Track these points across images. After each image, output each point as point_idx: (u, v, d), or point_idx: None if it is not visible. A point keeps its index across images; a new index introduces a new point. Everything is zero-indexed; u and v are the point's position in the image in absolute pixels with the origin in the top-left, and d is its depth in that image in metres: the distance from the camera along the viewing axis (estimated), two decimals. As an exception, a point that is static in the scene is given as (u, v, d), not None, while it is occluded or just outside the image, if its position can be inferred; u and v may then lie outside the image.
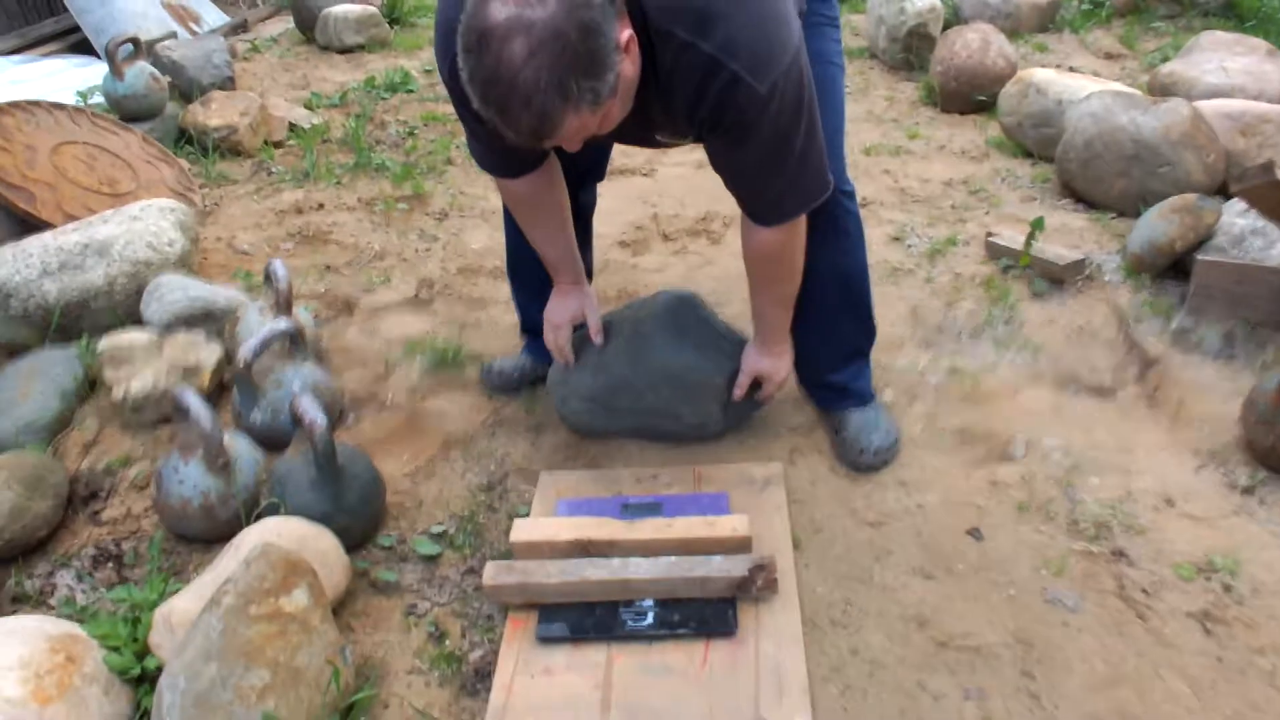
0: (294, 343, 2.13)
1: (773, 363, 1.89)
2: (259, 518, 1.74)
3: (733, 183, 1.58)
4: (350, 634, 1.65)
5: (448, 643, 1.63)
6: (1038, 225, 2.57)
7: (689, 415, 1.98)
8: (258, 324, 2.27)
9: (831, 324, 1.91)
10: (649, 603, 1.63)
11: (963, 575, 1.68)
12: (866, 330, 1.96)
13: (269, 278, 2.27)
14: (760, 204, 1.59)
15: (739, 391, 1.94)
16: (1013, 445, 1.96)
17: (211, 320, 2.39)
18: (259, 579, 1.43)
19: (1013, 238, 2.69)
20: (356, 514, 1.78)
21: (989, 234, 2.77)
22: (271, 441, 2.01)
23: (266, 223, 3.25)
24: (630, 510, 1.83)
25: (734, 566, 1.62)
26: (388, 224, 3.23)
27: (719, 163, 1.55)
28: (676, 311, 1.99)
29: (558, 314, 1.92)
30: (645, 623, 1.60)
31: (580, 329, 1.99)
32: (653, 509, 1.83)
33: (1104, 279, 2.54)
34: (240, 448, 1.89)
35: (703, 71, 1.35)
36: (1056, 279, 2.54)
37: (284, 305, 2.23)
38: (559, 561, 1.66)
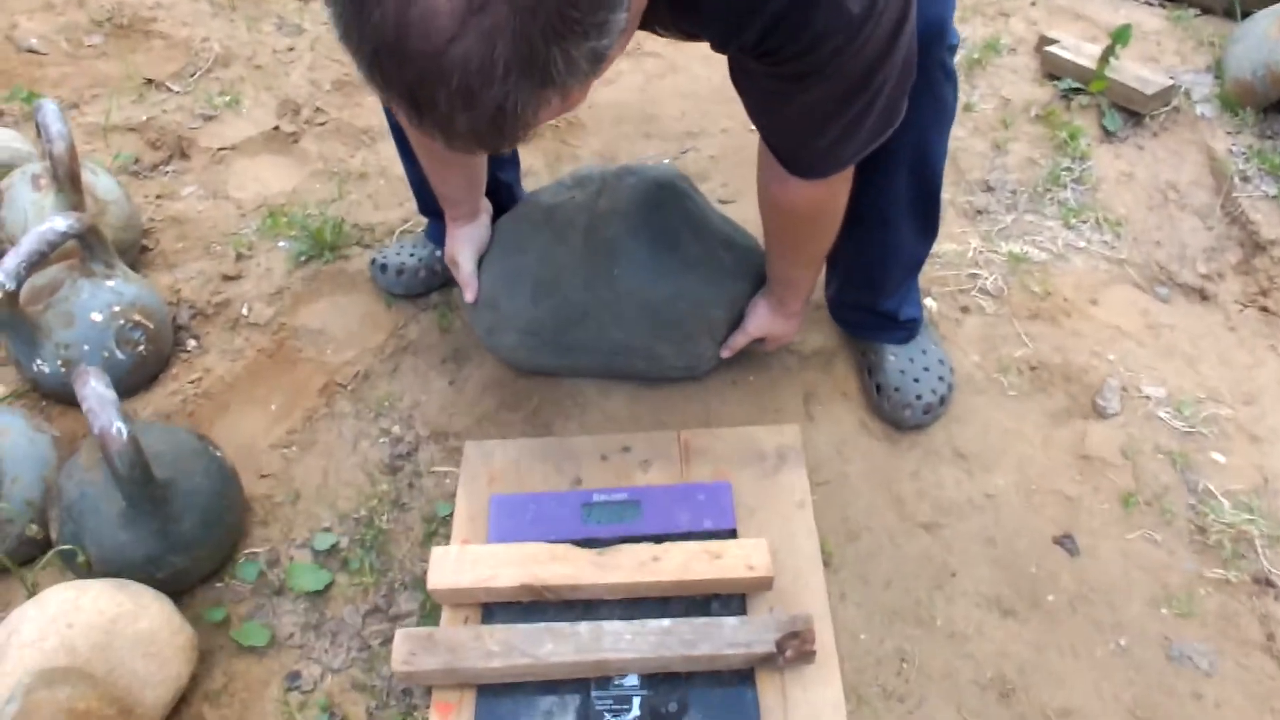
0: (86, 245, 1.44)
1: (786, 324, 1.41)
2: (54, 556, 1.17)
3: (773, 127, 1.07)
4: (204, 735, 1.15)
5: (349, 737, 1.15)
6: (1121, 37, 1.91)
7: (671, 356, 1.41)
8: (31, 209, 1.54)
9: (893, 230, 1.31)
10: (633, 680, 1.15)
11: (1054, 612, 1.24)
12: (931, 233, 1.38)
13: (40, 130, 1.51)
14: (808, 153, 1.06)
15: (732, 350, 1.44)
16: (1103, 392, 1.46)
17: (-32, 191, 1.64)
18: (24, 759, 0.90)
19: (1077, 48, 2.03)
20: (197, 545, 1.22)
21: (1043, 39, 2.10)
22: (71, 399, 1.38)
23: (63, 2, 2.34)
24: (595, 514, 1.30)
25: (755, 634, 1.14)
26: (232, 8, 2.35)
27: (758, 101, 1.03)
28: (655, 207, 1.36)
29: (456, 250, 1.40)
30: (629, 717, 1.13)
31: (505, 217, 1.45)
32: (626, 511, 1.31)
33: (1193, 112, 1.94)
34: (11, 440, 1.27)
35: None
36: (1133, 111, 1.94)
37: (65, 179, 1.50)
38: (502, 630, 1.15)
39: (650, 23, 0.97)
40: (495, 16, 0.59)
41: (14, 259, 1.31)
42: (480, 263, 1.41)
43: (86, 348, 1.40)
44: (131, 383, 1.47)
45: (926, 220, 1.34)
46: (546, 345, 1.40)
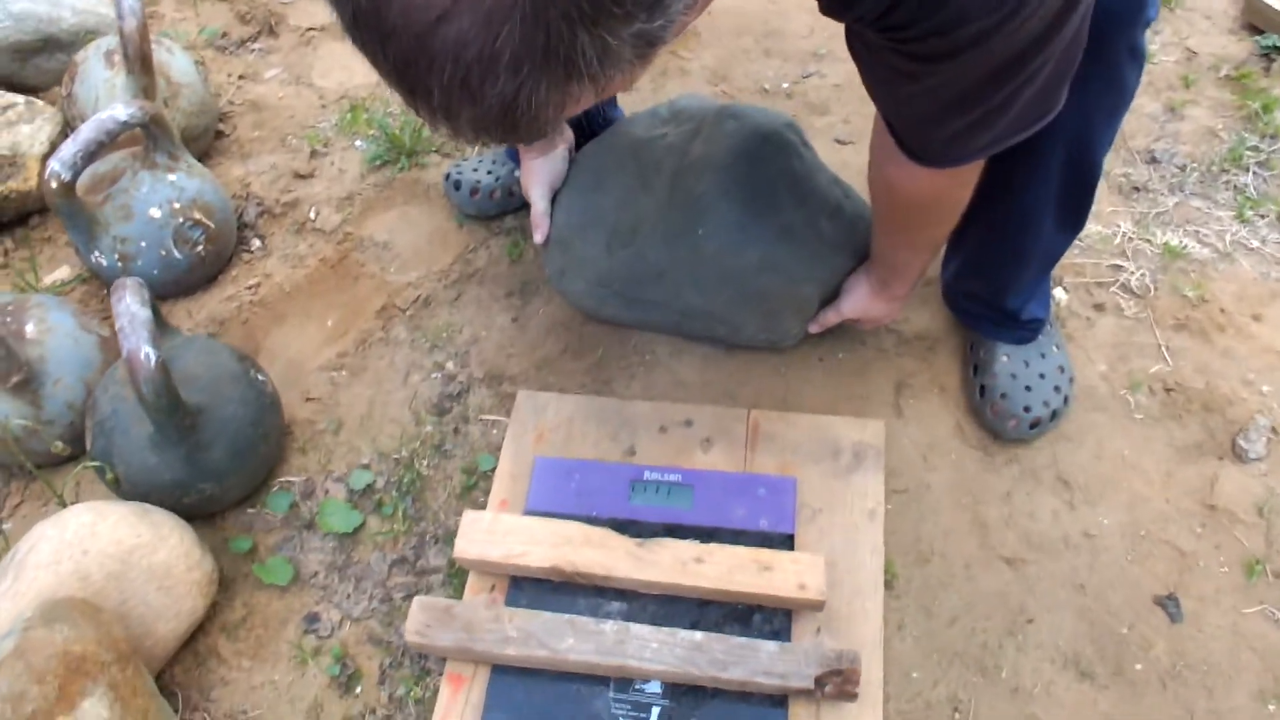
0: (150, 134, 1.36)
1: (887, 307, 1.24)
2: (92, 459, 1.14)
3: (895, 106, 0.88)
4: (217, 669, 1.13)
5: (358, 692, 1.11)
6: (1356, -6, 1.58)
7: (753, 329, 1.27)
8: (103, 87, 1.47)
9: (1033, 223, 1.11)
10: (656, 687, 1.07)
11: (1141, 685, 1.09)
12: (1077, 227, 1.16)
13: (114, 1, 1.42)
14: (935, 139, 0.86)
15: (822, 327, 1.30)
16: (1248, 431, 1.25)
17: (49, 55, 1.58)
18: (16, 699, 0.87)
19: (1295, -3, 1.70)
20: (227, 474, 1.17)
21: (1254, -18, 1.77)
22: (127, 295, 1.34)
23: None
24: (642, 494, 1.20)
25: (794, 665, 1.03)
26: None
27: (878, 76, 0.84)
28: (755, 161, 1.19)
29: (529, 184, 1.27)
30: (646, 725, 1.05)
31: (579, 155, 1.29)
32: (677, 495, 1.20)
33: None
34: (58, 339, 1.23)
35: None
36: (1350, 83, 1.62)
37: (135, 60, 1.41)
38: (523, 615, 1.08)
39: None
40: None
41: (71, 147, 1.24)
42: (557, 195, 1.27)
43: (144, 244, 1.35)
44: (190, 282, 1.42)
45: (1076, 215, 1.13)
46: (618, 298, 1.27)
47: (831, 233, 1.22)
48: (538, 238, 1.27)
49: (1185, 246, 1.45)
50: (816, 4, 0.77)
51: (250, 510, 1.24)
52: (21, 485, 1.27)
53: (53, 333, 1.23)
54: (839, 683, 1.02)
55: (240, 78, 1.74)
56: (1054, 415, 1.25)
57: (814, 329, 1.29)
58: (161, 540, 1.07)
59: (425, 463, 1.28)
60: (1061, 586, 1.15)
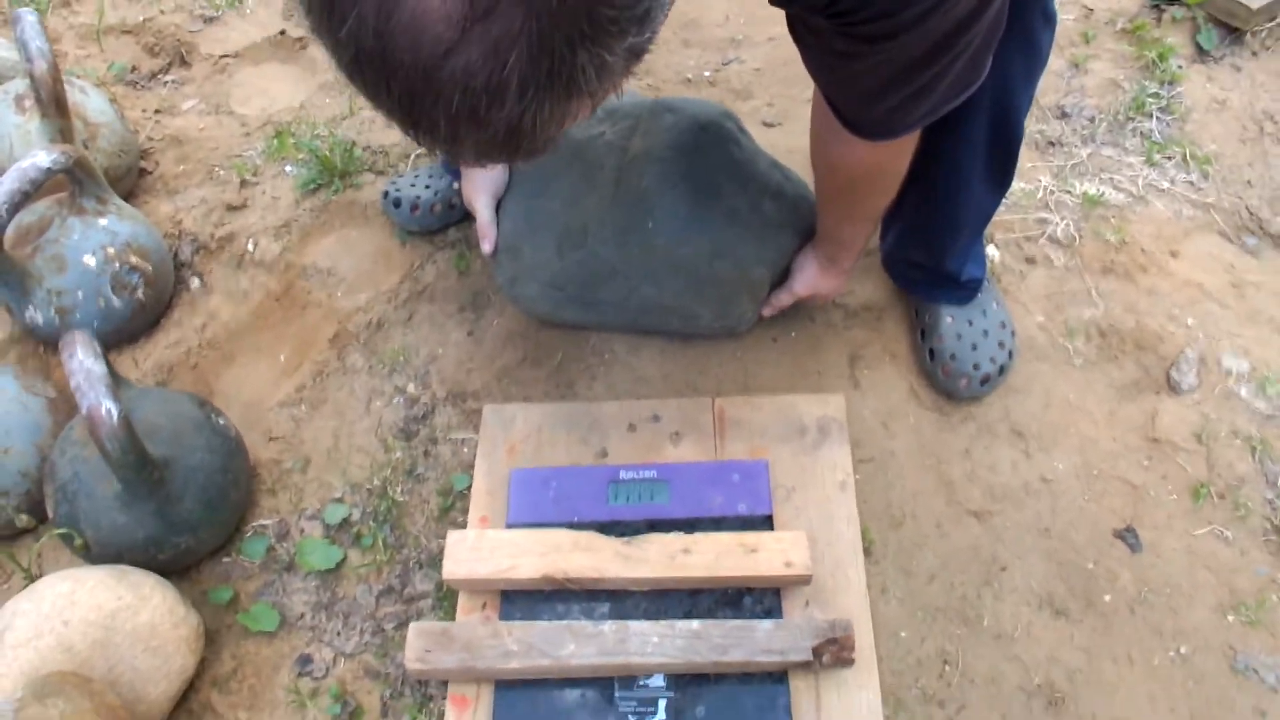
0: (75, 179, 1.32)
1: (835, 281, 1.29)
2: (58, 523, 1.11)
3: (837, 86, 0.91)
4: (215, 720, 1.11)
5: (363, 726, 1.11)
6: (1232, -59, 1.67)
7: (709, 317, 1.29)
8: (16, 134, 1.41)
9: (964, 185, 1.16)
10: (659, 681, 1.09)
11: (1111, 614, 1.15)
12: (1005, 186, 1.21)
13: (19, 46, 1.37)
14: (875, 113, 0.90)
15: (775, 309, 1.33)
16: (1179, 364, 1.33)
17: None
18: (19, 782, 0.86)
19: (1176, -52, 1.78)
20: (200, 525, 1.15)
21: (1138, -64, 1.85)
22: (67, 352, 1.30)
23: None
24: (621, 493, 1.22)
25: (790, 640, 1.07)
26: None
27: (821, 59, 0.88)
28: (695, 152, 1.20)
29: (472, 195, 1.26)
30: (654, 719, 1.08)
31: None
32: (654, 490, 1.22)
33: (1302, 27, 1.72)
34: (3, 406, 1.19)
35: None
36: (1234, 27, 1.71)
37: (49, 103, 1.36)
38: (521, 628, 1.09)
39: None
40: (506, 22, 0.47)
41: (-9, 205, 1.19)
42: (500, 203, 1.26)
43: (81, 294, 1.31)
44: (131, 329, 1.39)
45: (1003, 174, 1.18)
46: (573, 300, 1.27)
47: (776, 214, 1.24)
48: (486, 247, 1.26)
49: (1102, 194, 1.52)
50: None
51: (226, 559, 1.22)
52: (-22, 561, 1.23)
53: (-6, 401, 1.19)
54: (835, 651, 1.06)
55: (156, 112, 1.69)
56: (1001, 370, 1.31)
57: (767, 312, 1.32)
58: (143, 600, 1.05)
59: (399, 489, 1.27)
60: (1028, 532, 1.21)
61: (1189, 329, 1.37)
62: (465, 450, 1.30)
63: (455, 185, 1.47)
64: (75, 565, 1.13)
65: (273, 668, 1.14)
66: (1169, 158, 1.57)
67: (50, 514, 1.13)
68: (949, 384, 1.31)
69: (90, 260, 1.32)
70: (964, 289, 1.32)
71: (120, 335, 1.38)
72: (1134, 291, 1.41)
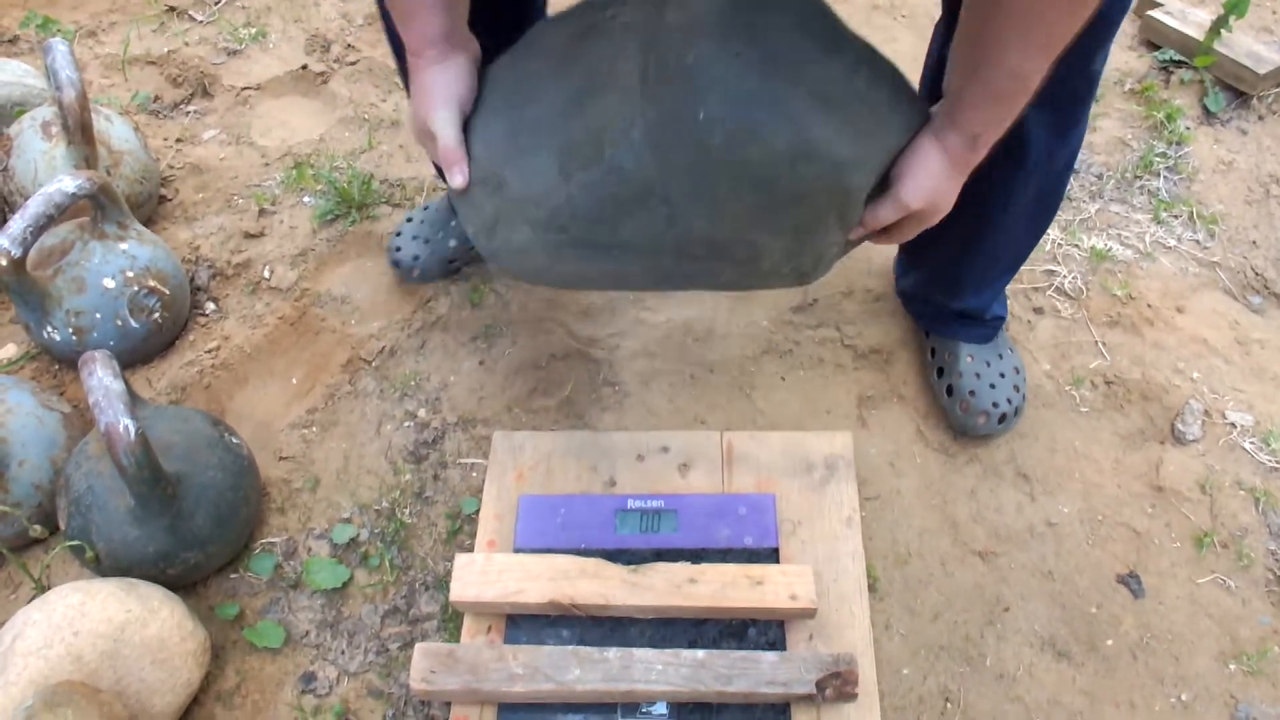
0: (98, 204, 1.35)
1: (955, 189, 0.91)
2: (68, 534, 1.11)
3: None
4: (216, 739, 1.11)
5: (364, 748, 1.11)
6: (1236, 6, 1.72)
7: (780, 254, 0.91)
8: (41, 159, 1.45)
9: (1012, 222, 1.14)
10: (662, 709, 1.09)
11: (1113, 659, 1.15)
12: (1045, 227, 1.21)
13: (49, 74, 1.41)
14: None
15: (870, 229, 0.94)
16: (1184, 415, 1.35)
17: (-21, 131, 1.55)
18: (23, 790, 0.85)
19: (1183, 14, 1.84)
20: (210, 541, 1.16)
21: (1147, 2, 1.91)
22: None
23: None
24: (628, 523, 1.23)
25: (794, 673, 1.07)
26: (260, -75, 2.20)
27: None
28: (758, 12, 0.81)
29: (427, 109, 0.91)
30: (657, 749, 1.07)
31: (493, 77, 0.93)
32: (662, 520, 1.23)
33: (1303, 91, 1.77)
34: (19, 419, 1.20)
35: None
36: (1240, 91, 1.76)
37: (76, 130, 1.40)
38: (526, 652, 1.09)
39: None
40: None
41: (19, 223, 1.22)
42: (468, 124, 0.91)
43: (98, 316, 1.33)
44: (147, 350, 1.40)
45: (1048, 212, 1.18)
46: (580, 246, 0.89)
47: (876, 93, 0.84)
48: (456, 180, 0.91)
49: (1110, 249, 1.55)
50: None
51: (233, 575, 1.23)
52: (-15, 573, 1.23)
53: (13, 413, 1.20)
54: (839, 685, 1.06)
55: (178, 141, 1.72)
56: (1017, 411, 1.32)
57: (856, 236, 0.95)
58: (152, 613, 1.05)
59: (407, 511, 1.28)
60: (1032, 574, 1.22)
61: (1194, 382, 1.39)
62: (474, 475, 1.31)
63: (453, 223, 1.48)
64: (84, 578, 1.14)
65: (276, 684, 1.14)
66: (1176, 216, 1.61)
67: (62, 526, 1.14)
68: (967, 420, 1.31)
69: (109, 283, 1.34)
70: (988, 326, 1.34)
71: (135, 356, 1.40)
72: (1140, 344, 1.44)
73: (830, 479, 1.28)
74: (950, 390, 1.33)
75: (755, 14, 0.80)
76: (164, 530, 1.11)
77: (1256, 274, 1.53)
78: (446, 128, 0.89)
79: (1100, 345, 1.43)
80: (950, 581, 1.21)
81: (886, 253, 1.54)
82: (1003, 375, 1.33)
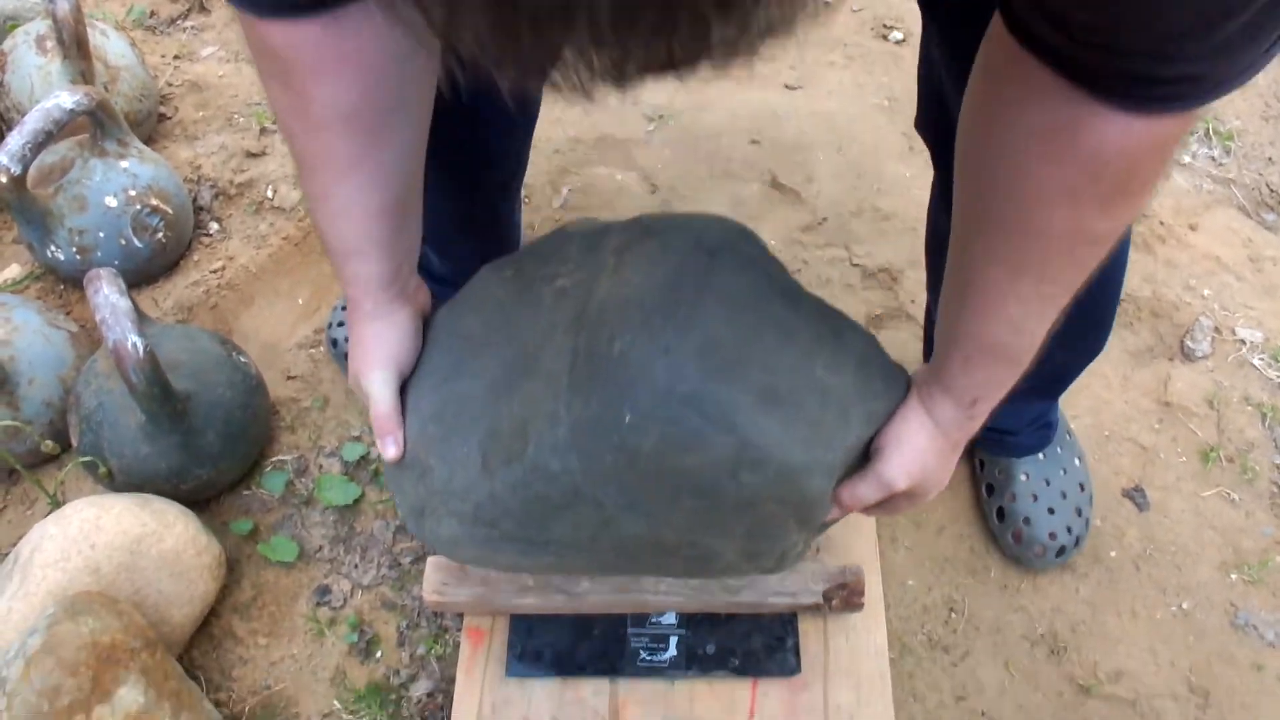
0: (97, 121, 1.33)
1: (949, 467, 0.78)
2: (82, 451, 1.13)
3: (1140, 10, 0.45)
4: (234, 649, 1.13)
5: (379, 656, 1.13)
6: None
7: (734, 555, 0.82)
8: (37, 75, 1.42)
9: (1057, 342, 0.71)
10: (671, 619, 1.11)
11: (1116, 569, 1.17)
12: (1098, 344, 1.04)
13: (43, -14, 1.37)
14: (1215, 62, 0.48)
15: (849, 510, 0.78)
16: (1193, 332, 1.34)
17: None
18: (51, 693, 0.87)
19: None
20: (221, 458, 1.17)
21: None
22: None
23: None
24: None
25: (801, 584, 1.08)
26: None
27: None
28: (700, 293, 0.67)
29: (361, 367, 0.80)
30: (665, 655, 1.10)
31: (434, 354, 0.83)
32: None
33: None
34: (26, 338, 1.20)
35: None
36: None
37: (71, 44, 1.37)
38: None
39: None
40: None
41: (18, 140, 1.20)
42: (405, 388, 0.81)
43: (102, 234, 1.32)
44: (151, 270, 1.40)
45: (1096, 331, 1.00)
46: (510, 539, 0.79)
47: (839, 384, 0.70)
48: (389, 452, 0.79)
49: (1121, 163, 1.52)
50: None
51: (246, 492, 1.24)
52: (1, 490, 1.24)
53: (20, 332, 1.20)
54: (845, 595, 1.08)
55: (175, 58, 1.69)
56: (1078, 542, 1.14)
57: (837, 515, 0.80)
58: (167, 528, 1.07)
59: (417, 430, 1.29)
60: (1037, 489, 1.23)
61: (1205, 299, 1.38)
62: (483, 395, 1.31)
63: None
64: (99, 493, 1.15)
65: (291, 597, 1.16)
66: (1192, 132, 1.58)
67: (74, 443, 1.15)
68: (1021, 552, 1.15)
69: (112, 201, 1.33)
70: (1040, 434, 1.16)
71: (140, 276, 1.39)
72: (1152, 262, 1.42)
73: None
74: (1001, 514, 1.15)
75: (696, 292, 0.67)
76: (175, 447, 1.12)
77: (1271, 191, 1.51)
78: (382, 390, 0.78)
79: (1111, 262, 1.41)
80: (955, 496, 1.23)
81: (896, 170, 1.52)
82: (1064, 495, 1.14)
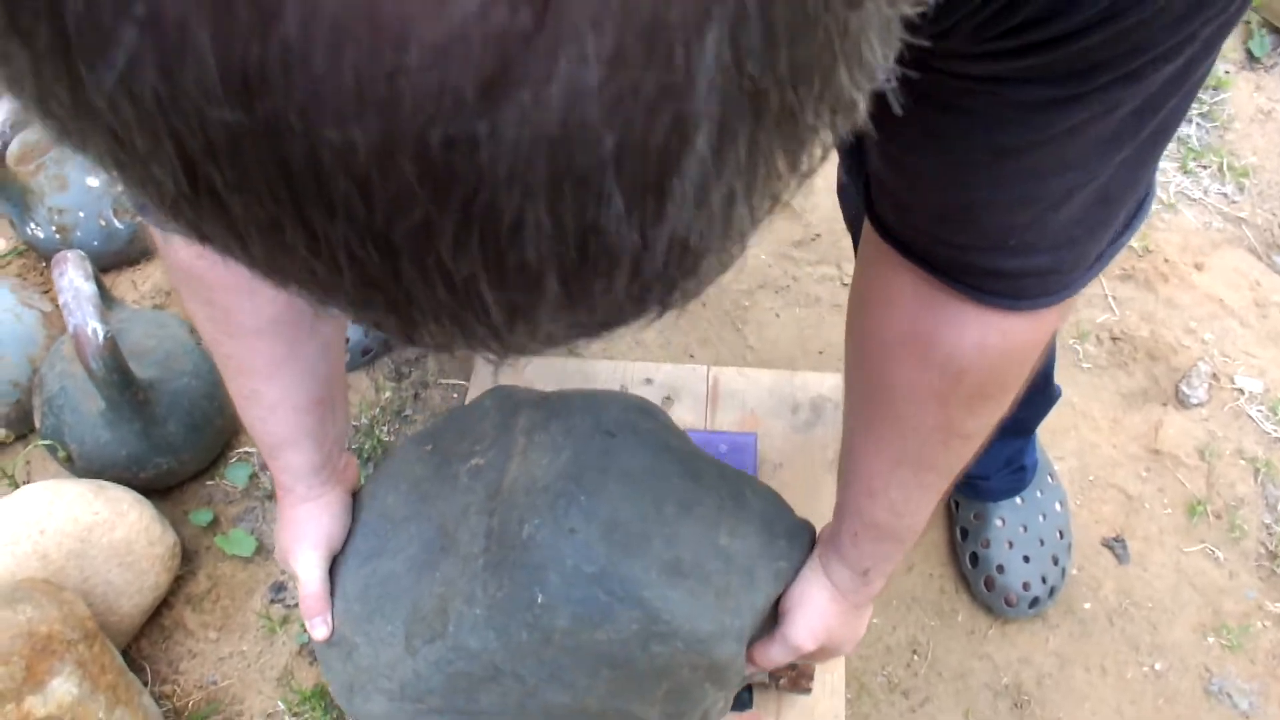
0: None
1: (858, 626, 0.81)
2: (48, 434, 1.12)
3: (982, 200, 0.46)
4: (184, 641, 1.12)
5: (329, 659, 1.12)
6: (1296, -57, 1.61)
7: (657, 717, 0.82)
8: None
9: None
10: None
11: (1090, 622, 1.14)
12: (1051, 399, 1.07)
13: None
14: (1039, 247, 0.48)
15: (762, 669, 0.83)
16: (1190, 377, 1.30)
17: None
18: (-21, 683, 0.86)
19: (1238, -54, 1.72)
20: (183, 448, 1.15)
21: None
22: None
23: None
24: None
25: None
26: None
27: (969, 152, 0.44)
28: (603, 472, 0.72)
29: (289, 546, 0.80)
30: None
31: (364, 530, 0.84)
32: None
33: (1360, 39, 1.66)
34: (-2, 314, 1.20)
35: None
36: (1289, 33, 1.66)
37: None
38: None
39: None
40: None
41: None
42: (335, 564, 0.83)
43: (81, 214, 1.31)
44: (131, 253, 1.38)
45: (1046, 398, 1.04)
46: (440, 713, 0.80)
47: (743, 551, 0.75)
48: (318, 632, 0.80)
49: (1131, 197, 1.48)
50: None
51: (209, 482, 1.23)
52: (-33, 466, 1.24)
53: (-10, 310, 1.20)
54: (793, 676, 1.00)
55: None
56: (1052, 593, 1.11)
57: (752, 675, 0.87)
58: (120, 517, 1.06)
59: (386, 429, 1.27)
60: (1014, 532, 1.19)
61: (1205, 344, 1.33)
62: (455, 396, 1.29)
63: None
64: (59, 478, 1.14)
65: (246, 592, 1.15)
66: (1204, 166, 1.52)
67: (37, 425, 1.14)
68: (991, 599, 1.12)
69: (93, 181, 1.31)
70: (1015, 478, 1.14)
71: (120, 258, 1.38)
72: (1152, 301, 1.38)
73: (816, 421, 1.25)
74: (974, 560, 1.13)
75: (598, 474, 0.72)
76: (135, 434, 1.11)
77: (1287, 234, 1.46)
78: (311, 572, 0.79)
79: (1110, 299, 1.37)
80: (929, 533, 1.19)
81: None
82: (1042, 543, 1.11)
